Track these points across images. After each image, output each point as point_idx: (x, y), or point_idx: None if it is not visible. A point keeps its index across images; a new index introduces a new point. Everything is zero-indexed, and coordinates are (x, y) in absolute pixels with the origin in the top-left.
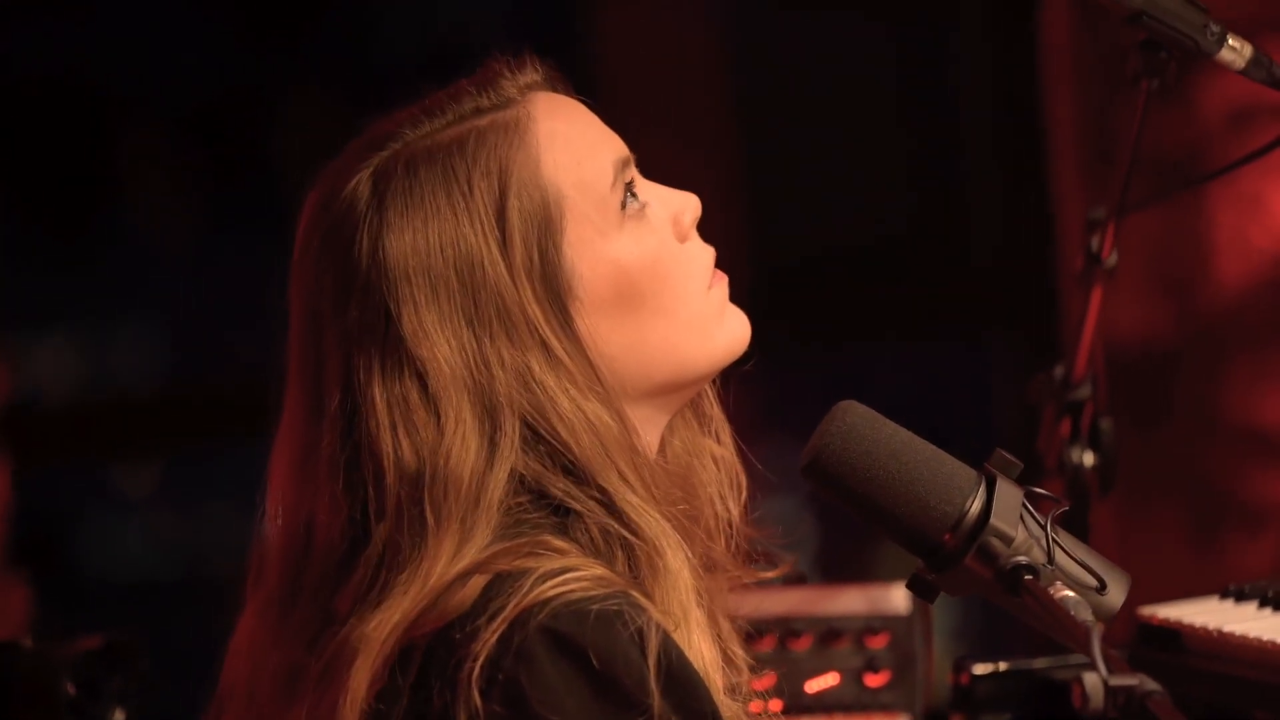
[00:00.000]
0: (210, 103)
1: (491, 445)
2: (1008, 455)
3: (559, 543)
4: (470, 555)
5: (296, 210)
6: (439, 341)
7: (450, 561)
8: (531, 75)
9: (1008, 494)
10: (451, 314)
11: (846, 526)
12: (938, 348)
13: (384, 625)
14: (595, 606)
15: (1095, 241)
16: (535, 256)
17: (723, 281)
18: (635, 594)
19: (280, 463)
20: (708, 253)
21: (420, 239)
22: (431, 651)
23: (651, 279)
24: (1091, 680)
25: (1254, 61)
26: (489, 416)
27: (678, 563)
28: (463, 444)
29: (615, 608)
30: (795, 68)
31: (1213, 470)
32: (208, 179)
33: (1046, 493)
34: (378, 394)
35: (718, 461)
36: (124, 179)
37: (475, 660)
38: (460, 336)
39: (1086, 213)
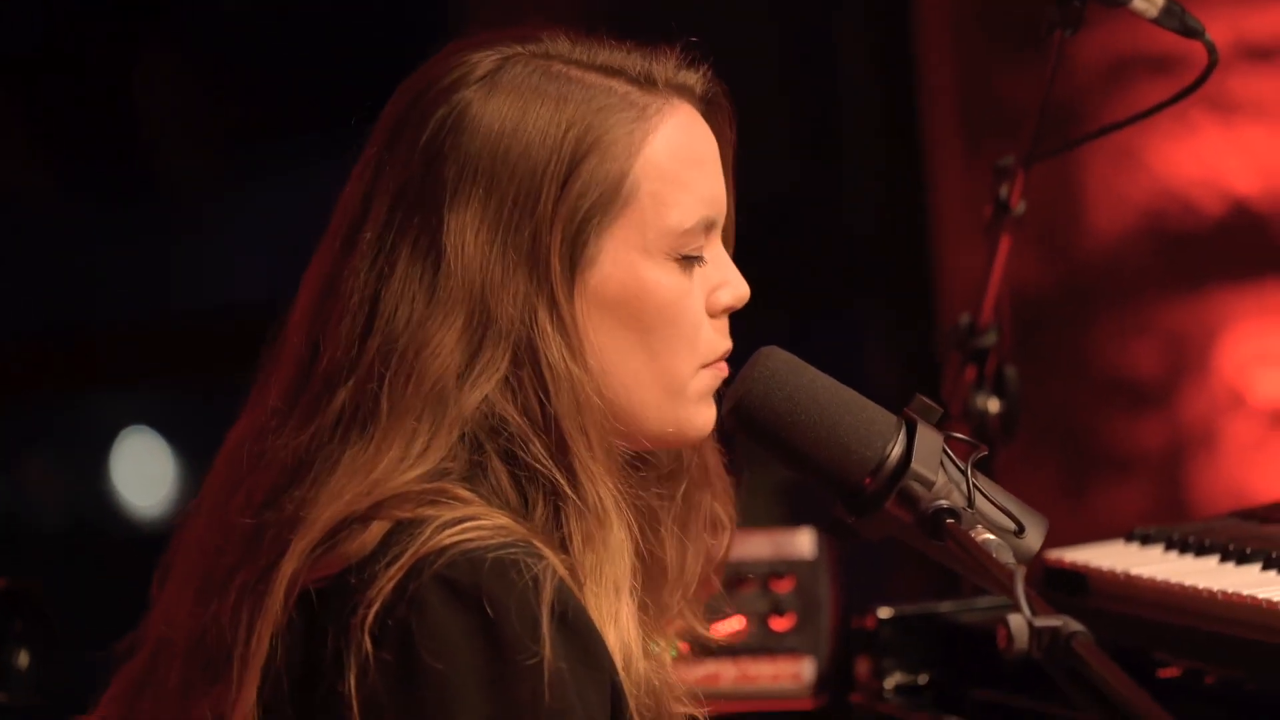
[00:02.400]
0: (57, 60)
1: (471, 362)
2: (928, 400)
3: (461, 491)
4: (420, 468)
5: (139, 170)
6: (469, 241)
7: (398, 465)
8: (691, 80)
9: (928, 439)
10: (494, 225)
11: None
12: (810, 313)
13: (321, 513)
14: (491, 555)
15: (1004, 190)
16: (578, 219)
17: (721, 373)
18: (537, 543)
19: (312, 273)
20: (725, 342)
21: (502, 139)
22: (327, 596)
23: (657, 315)
24: (1016, 621)
25: (1165, 10)
26: (481, 333)
27: (618, 539)
28: (439, 344)
29: (512, 556)
30: (670, 27)
31: (1084, 418)
32: (54, 136)
33: (965, 438)
34: (402, 255)
35: (708, 517)
36: None
37: (370, 607)
38: (490, 247)
39: (992, 164)
